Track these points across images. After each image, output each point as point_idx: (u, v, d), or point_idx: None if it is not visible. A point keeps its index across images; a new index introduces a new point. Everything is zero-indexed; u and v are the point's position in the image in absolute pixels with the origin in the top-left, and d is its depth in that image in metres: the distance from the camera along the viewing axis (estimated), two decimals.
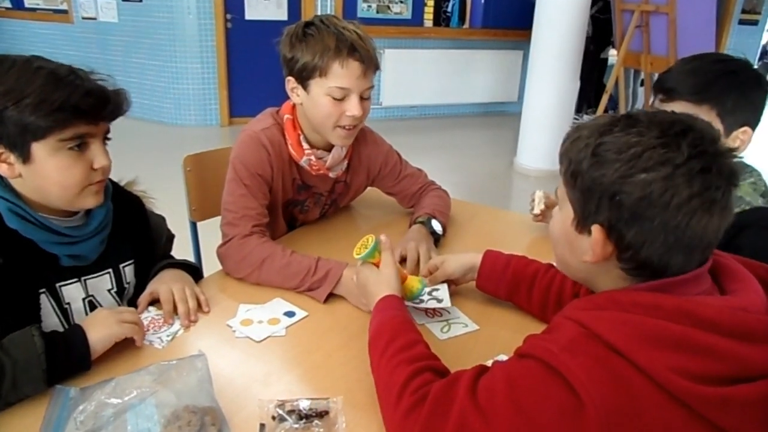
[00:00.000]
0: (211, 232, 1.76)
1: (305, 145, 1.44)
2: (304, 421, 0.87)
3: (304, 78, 1.33)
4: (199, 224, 1.78)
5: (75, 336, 0.95)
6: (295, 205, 1.57)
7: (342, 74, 1.30)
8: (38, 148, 0.96)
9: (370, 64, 1.33)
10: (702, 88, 1.17)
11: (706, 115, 1.16)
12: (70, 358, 0.93)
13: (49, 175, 0.99)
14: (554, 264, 1.17)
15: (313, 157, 1.45)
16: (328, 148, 1.48)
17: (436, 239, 1.49)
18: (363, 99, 1.36)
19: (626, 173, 0.68)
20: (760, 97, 1.20)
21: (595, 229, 0.72)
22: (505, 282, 1.19)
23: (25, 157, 0.97)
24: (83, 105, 0.97)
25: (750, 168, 1.24)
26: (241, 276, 1.30)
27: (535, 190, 1.60)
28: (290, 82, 1.38)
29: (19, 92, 0.92)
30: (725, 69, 1.18)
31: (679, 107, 1.17)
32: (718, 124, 1.16)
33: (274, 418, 0.88)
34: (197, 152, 1.71)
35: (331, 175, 1.52)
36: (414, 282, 1.15)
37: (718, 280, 0.75)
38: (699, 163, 0.66)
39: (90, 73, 1.01)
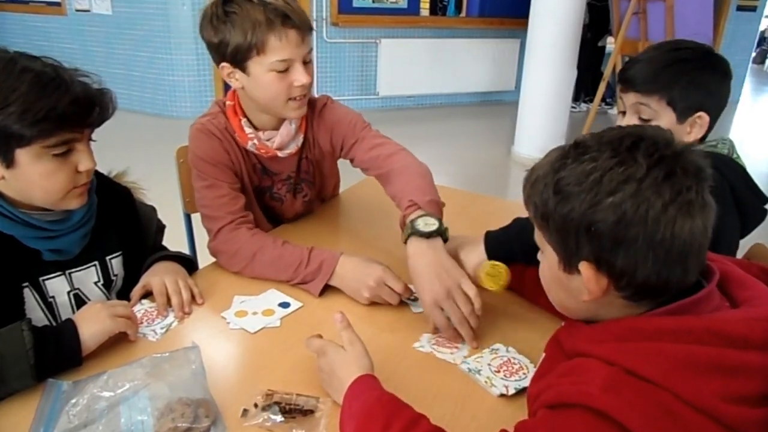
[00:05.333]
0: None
1: (248, 129, 1.37)
2: (286, 415, 0.86)
3: (239, 61, 1.26)
4: (193, 216, 1.77)
5: (66, 331, 0.95)
6: (264, 193, 1.52)
7: (281, 47, 1.23)
8: (22, 154, 0.95)
9: (305, 28, 1.26)
10: (650, 79, 1.21)
11: (656, 104, 1.20)
12: (60, 354, 0.93)
13: (33, 180, 0.98)
14: None
15: (256, 141, 1.38)
16: (276, 128, 1.40)
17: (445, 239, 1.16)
18: (306, 63, 1.29)
19: (593, 202, 0.65)
20: (714, 83, 1.21)
21: (584, 266, 0.68)
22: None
23: (9, 162, 0.96)
24: (69, 113, 0.95)
25: (724, 139, 1.27)
26: (235, 270, 1.29)
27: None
28: (225, 68, 1.30)
29: (3, 99, 0.91)
30: (676, 57, 1.21)
31: (633, 98, 1.23)
32: (669, 112, 1.20)
33: (256, 405, 0.88)
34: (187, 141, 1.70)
35: (281, 154, 1.42)
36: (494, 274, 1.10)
37: (724, 289, 0.72)
38: (662, 170, 0.64)
39: (75, 72, 1.00)
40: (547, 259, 0.76)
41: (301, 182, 1.56)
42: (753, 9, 7.98)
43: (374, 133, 1.45)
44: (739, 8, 7.81)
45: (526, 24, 4.78)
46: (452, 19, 6.70)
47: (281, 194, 1.53)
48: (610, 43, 6.33)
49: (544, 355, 0.84)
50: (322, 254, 1.23)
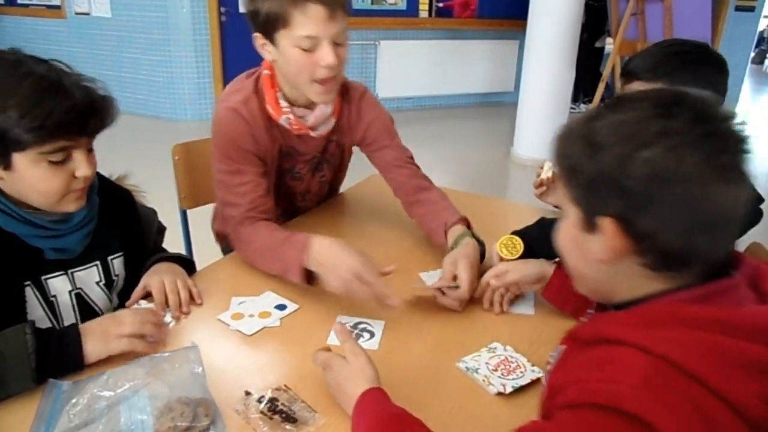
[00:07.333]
0: (202, 220, 1.76)
1: (283, 103, 1.34)
2: (270, 412, 0.87)
3: (269, 31, 1.23)
4: (189, 212, 1.79)
5: (69, 338, 0.95)
6: (286, 173, 1.50)
7: (305, 22, 1.18)
8: (19, 158, 0.95)
9: (336, 6, 1.20)
10: (655, 66, 1.24)
11: None
12: (61, 360, 0.93)
13: (29, 183, 0.99)
14: None
15: (291, 116, 1.34)
16: (311, 105, 1.37)
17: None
18: (337, 45, 1.23)
19: (626, 154, 0.60)
20: (714, 75, 1.25)
21: (606, 222, 0.63)
22: (573, 301, 1.13)
23: (6, 164, 0.96)
24: (66, 121, 0.95)
25: None
26: (247, 262, 1.31)
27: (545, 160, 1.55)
28: (258, 39, 1.27)
29: (3, 102, 0.91)
30: (678, 50, 1.26)
31: (636, 86, 1.25)
32: None
33: (248, 393, 0.91)
34: (185, 141, 1.71)
35: (313, 134, 1.40)
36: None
37: (749, 281, 0.67)
38: (701, 128, 0.59)
39: (79, 77, 0.99)
40: (568, 219, 0.71)
41: (324, 162, 1.55)
42: (751, 9, 7.99)
43: (401, 143, 1.53)
44: (738, 8, 7.83)
45: (525, 25, 4.79)
46: (451, 21, 6.70)
47: (302, 173, 1.53)
48: (609, 44, 6.34)
49: (563, 347, 0.77)
50: (296, 236, 1.21)
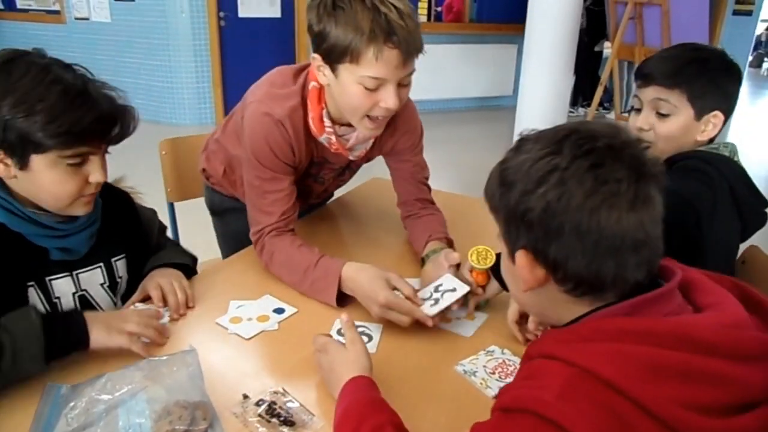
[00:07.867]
0: (189, 214, 1.81)
1: (327, 122, 1.28)
2: (268, 415, 0.88)
3: (332, 60, 1.15)
4: (176, 205, 1.84)
5: (73, 319, 0.97)
6: (310, 177, 1.48)
7: (376, 64, 1.10)
8: (37, 160, 0.97)
9: (411, 50, 1.13)
10: (673, 73, 1.21)
11: (677, 99, 1.21)
12: (68, 339, 0.95)
13: (43, 185, 1.00)
14: None
15: (333, 137, 1.30)
16: (352, 125, 1.31)
17: None
18: (401, 86, 1.18)
19: (525, 191, 0.66)
20: (730, 84, 1.24)
21: (519, 255, 0.69)
22: None
23: (23, 164, 0.97)
24: (90, 130, 0.97)
25: (727, 144, 1.27)
26: (269, 271, 1.31)
27: None
28: (316, 60, 1.18)
29: (30, 107, 0.92)
30: (697, 56, 1.23)
31: (653, 92, 1.23)
32: (689, 108, 1.21)
33: (246, 396, 0.91)
34: (172, 137, 1.75)
35: (351, 157, 1.38)
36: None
37: (686, 295, 0.70)
38: (587, 161, 0.63)
39: (103, 86, 1.01)
40: (503, 252, 0.76)
41: (347, 170, 1.55)
42: (749, 13, 8.03)
43: (422, 159, 1.53)
44: (735, 12, 7.87)
45: (523, 29, 4.80)
46: (449, 25, 6.73)
47: (325, 178, 1.52)
48: (607, 48, 6.37)
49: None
50: (327, 262, 1.22)
